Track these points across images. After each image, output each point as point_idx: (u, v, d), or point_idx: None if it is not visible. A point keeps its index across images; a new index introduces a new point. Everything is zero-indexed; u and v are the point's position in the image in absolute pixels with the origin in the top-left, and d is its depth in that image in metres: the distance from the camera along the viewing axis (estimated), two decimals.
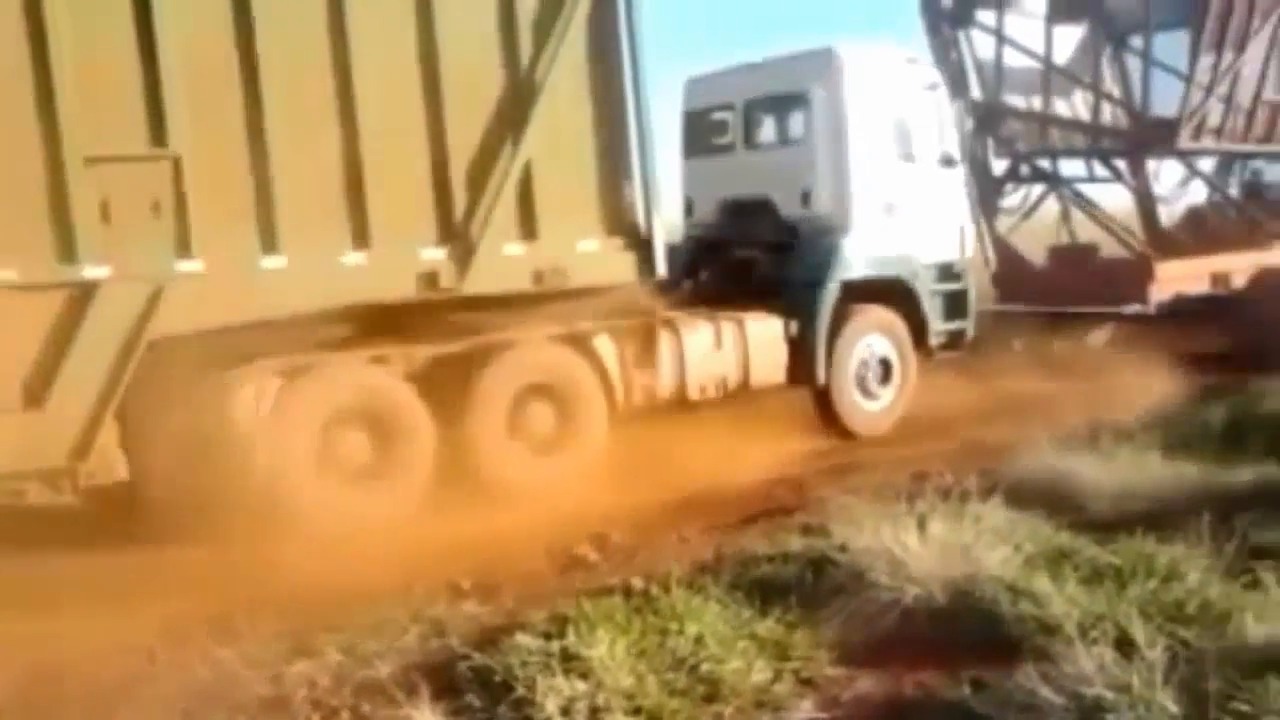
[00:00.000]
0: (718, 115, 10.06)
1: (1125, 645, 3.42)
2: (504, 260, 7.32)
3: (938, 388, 10.01)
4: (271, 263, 6.55)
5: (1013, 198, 14.64)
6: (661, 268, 7.94)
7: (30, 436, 5.91)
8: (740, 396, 8.66)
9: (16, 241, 5.87)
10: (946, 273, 9.87)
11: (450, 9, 7.05)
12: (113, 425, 6.22)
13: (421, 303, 7.13)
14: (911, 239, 9.54)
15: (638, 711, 3.57)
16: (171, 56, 6.18)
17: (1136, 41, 13.96)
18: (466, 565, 5.76)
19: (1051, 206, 14.91)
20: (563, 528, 6.46)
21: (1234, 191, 15.39)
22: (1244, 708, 2.96)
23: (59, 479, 6.09)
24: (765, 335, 8.76)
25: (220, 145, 6.38)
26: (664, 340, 8.18)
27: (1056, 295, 12.70)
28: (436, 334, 7.32)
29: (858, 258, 9.24)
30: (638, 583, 4.77)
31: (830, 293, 9.04)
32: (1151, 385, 9.34)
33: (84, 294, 6.05)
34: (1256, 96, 13.54)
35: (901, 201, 9.41)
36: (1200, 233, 14.60)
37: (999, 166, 14.47)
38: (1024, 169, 14.60)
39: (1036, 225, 14.81)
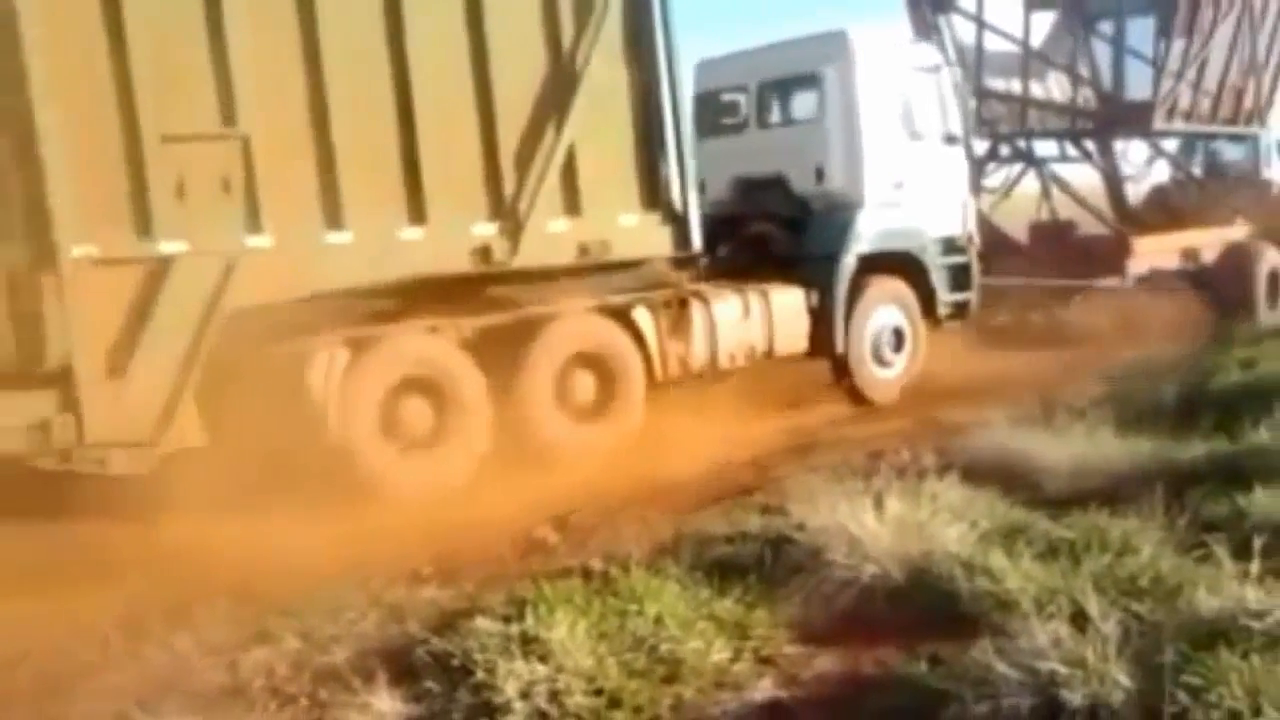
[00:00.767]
0: (729, 97, 10.38)
1: (1080, 619, 3.39)
2: (551, 235, 7.65)
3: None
4: (336, 238, 6.81)
5: (994, 177, 15.20)
6: (697, 241, 8.31)
7: (116, 408, 6.12)
8: (712, 375, 8.71)
9: (98, 217, 6.05)
10: (951, 246, 10.25)
11: (499, 2, 7.38)
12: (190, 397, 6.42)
13: (463, 277, 7.42)
14: (919, 213, 9.93)
15: (598, 693, 3.52)
16: (241, 41, 6.40)
17: (1104, 26, 14.58)
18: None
19: (1030, 184, 15.49)
20: (523, 511, 6.46)
21: (1196, 170, 16.14)
22: (1196, 680, 2.95)
23: (143, 448, 6.28)
24: (789, 306, 9.10)
25: (287, 126, 6.63)
26: (696, 311, 8.52)
27: (1038, 269, 13.24)
28: (479, 307, 7.59)
29: (871, 231, 9.60)
30: (597, 564, 4.72)
31: (847, 265, 9.41)
32: (1122, 354, 9.77)
33: (161, 268, 6.25)
34: (1222, 80, 14.26)
35: (910, 177, 9.77)
36: (1164, 210, 15.24)
37: (980, 147, 14.99)
38: (1004, 149, 15.16)
39: (1015, 202, 15.39)
